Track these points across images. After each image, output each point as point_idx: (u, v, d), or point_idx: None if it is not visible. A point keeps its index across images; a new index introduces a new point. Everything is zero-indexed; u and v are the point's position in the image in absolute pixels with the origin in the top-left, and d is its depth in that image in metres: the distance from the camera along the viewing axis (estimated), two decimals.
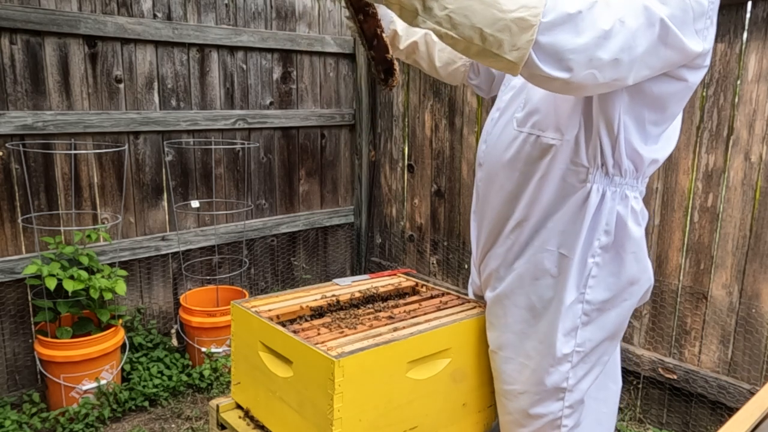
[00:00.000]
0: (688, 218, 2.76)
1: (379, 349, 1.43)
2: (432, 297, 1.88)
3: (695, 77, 1.39)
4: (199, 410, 3.07)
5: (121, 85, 3.19)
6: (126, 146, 3.22)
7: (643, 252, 1.51)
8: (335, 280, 1.96)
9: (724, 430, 1.10)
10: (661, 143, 1.48)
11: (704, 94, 2.65)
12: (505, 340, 1.58)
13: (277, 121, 3.81)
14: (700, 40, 1.30)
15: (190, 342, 3.37)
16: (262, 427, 1.66)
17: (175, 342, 3.56)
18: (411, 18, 1.16)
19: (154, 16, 3.25)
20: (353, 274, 4.46)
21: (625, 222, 1.46)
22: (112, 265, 3.13)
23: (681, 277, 2.81)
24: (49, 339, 2.85)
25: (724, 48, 2.55)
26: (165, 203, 3.44)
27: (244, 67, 3.65)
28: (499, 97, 1.67)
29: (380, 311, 1.72)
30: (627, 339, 3.00)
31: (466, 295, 1.93)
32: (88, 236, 2.99)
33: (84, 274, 2.83)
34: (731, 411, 2.65)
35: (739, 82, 2.53)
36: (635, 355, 2.93)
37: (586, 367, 1.53)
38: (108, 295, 2.89)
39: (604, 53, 1.15)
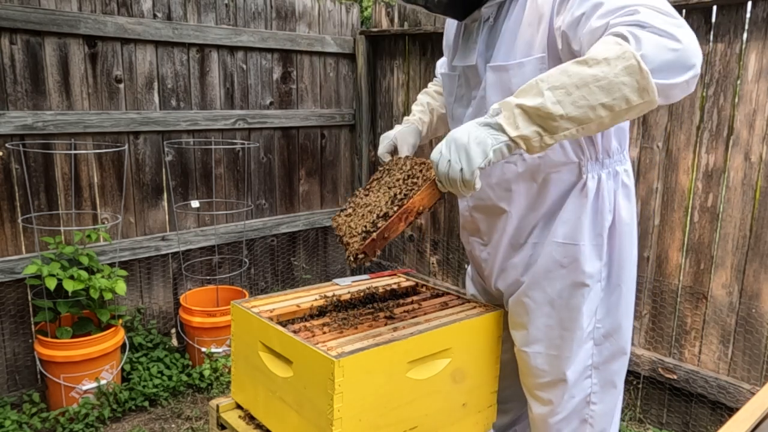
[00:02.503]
0: (688, 218, 2.76)
1: (379, 349, 1.43)
2: (432, 297, 1.88)
3: None
4: (199, 410, 3.07)
5: (121, 85, 3.19)
6: (126, 146, 3.22)
7: (635, 223, 1.62)
8: (335, 280, 1.96)
9: (724, 430, 1.10)
10: None
11: (704, 94, 2.65)
12: (531, 337, 1.63)
13: (277, 121, 3.81)
14: None
15: (190, 342, 3.37)
16: (262, 427, 1.66)
17: (175, 342, 3.56)
18: (539, 144, 1.23)
19: (154, 16, 3.25)
20: (353, 274, 4.46)
21: (618, 198, 1.55)
22: (112, 265, 3.13)
23: (681, 277, 2.81)
24: (49, 339, 2.85)
25: (723, 48, 2.55)
26: (165, 203, 3.44)
27: (244, 67, 3.65)
28: (452, 128, 1.71)
29: (380, 311, 1.72)
30: None
31: (466, 295, 1.93)
32: (88, 236, 2.98)
33: (84, 274, 2.83)
34: (731, 411, 2.65)
35: (739, 81, 2.53)
36: (635, 355, 2.93)
37: (612, 349, 1.62)
38: (108, 295, 2.89)
39: (682, 27, 1.19)
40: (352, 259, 1.41)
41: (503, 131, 1.23)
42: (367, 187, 1.68)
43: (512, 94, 1.45)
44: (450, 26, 1.76)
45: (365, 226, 1.43)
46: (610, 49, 1.16)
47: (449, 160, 1.26)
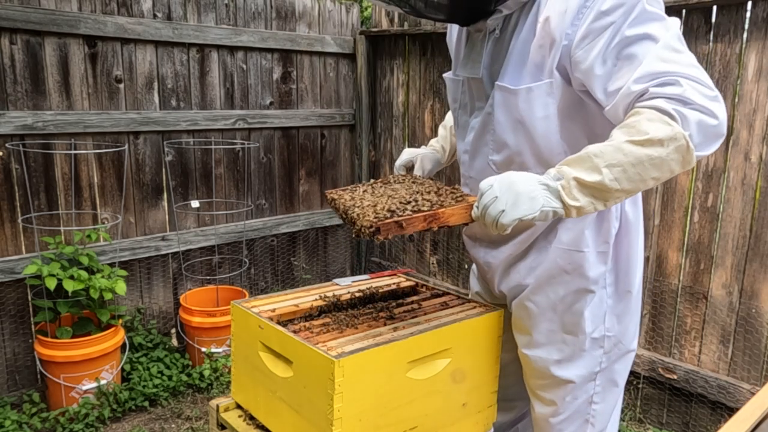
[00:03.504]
0: (688, 218, 2.76)
1: (379, 349, 1.43)
2: (432, 297, 1.88)
3: None
4: (199, 410, 3.07)
5: (121, 85, 3.19)
6: (126, 146, 3.22)
7: (641, 226, 1.62)
8: (335, 280, 1.96)
9: (724, 430, 1.10)
10: None
11: None
12: (534, 341, 1.64)
13: (277, 121, 3.81)
14: None
15: (190, 342, 3.37)
16: (262, 427, 1.66)
17: (175, 342, 3.56)
18: (591, 211, 1.30)
19: (154, 16, 3.25)
20: (353, 274, 4.46)
21: (625, 205, 1.56)
22: (112, 265, 3.13)
23: (681, 277, 2.81)
24: (49, 339, 2.85)
25: (723, 48, 2.55)
26: (165, 203, 3.44)
27: (244, 67, 3.65)
28: (459, 137, 1.71)
29: (380, 311, 1.72)
30: None
31: (467, 295, 1.93)
32: (88, 236, 2.98)
33: (84, 274, 2.83)
34: (731, 411, 2.65)
35: (738, 81, 2.53)
36: (635, 355, 2.92)
37: (619, 352, 1.64)
38: (108, 295, 2.89)
39: (718, 99, 1.26)
40: (365, 230, 1.36)
41: (559, 198, 1.27)
42: (374, 184, 1.68)
43: (519, 116, 1.46)
44: (452, 29, 1.75)
45: (389, 207, 1.41)
46: (661, 129, 1.21)
47: (496, 197, 1.28)
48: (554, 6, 1.38)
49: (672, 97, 1.22)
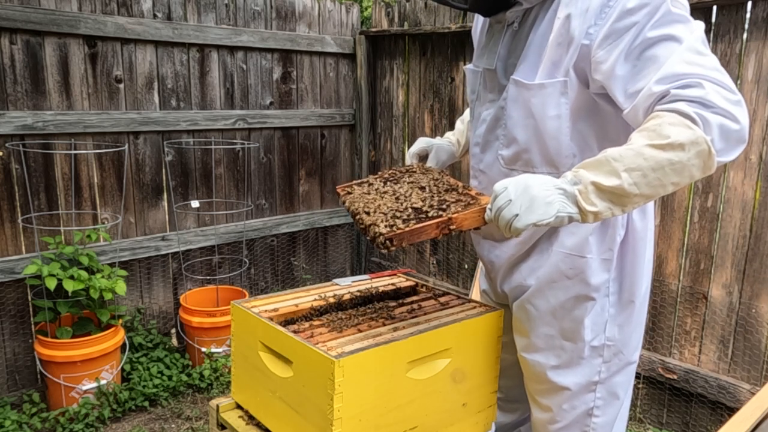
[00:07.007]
0: (688, 218, 2.76)
1: (379, 349, 1.43)
2: (432, 297, 1.87)
3: None
4: (199, 410, 3.07)
5: (121, 85, 3.19)
6: (126, 146, 3.22)
7: (650, 235, 1.59)
8: (335, 280, 1.96)
9: (724, 430, 1.10)
10: None
11: None
12: (532, 345, 1.62)
13: (277, 121, 3.81)
14: None
15: (190, 342, 3.37)
16: (262, 427, 1.66)
17: (175, 342, 3.56)
18: (609, 216, 1.27)
19: (154, 16, 3.25)
20: (353, 274, 4.46)
21: (632, 213, 1.53)
22: (112, 265, 3.13)
23: (681, 278, 2.81)
24: (49, 339, 2.85)
25: (723, 48, 2.55)
26: (165, 203, 3.44)
27: (244, 67, 3.65)
28: (472, 129, 1.70)
29: (380, 311, 1.72)
30: None
31: (467, 295, 1.93)
32: (88, 236, 2.99)
33: (84, 274, 2.83)
34: (731, 411, 2.65)
35: (738, 81, 2.53)
36: None
37: (620, 363, 1.60)
38: (108, 295, 2.89)
39: (740, 104, 1.26)
40: (378, 240, 1.34)
41: (576, 204, 1.25)
42: (385, 177, 1.66)
43: (531, 112, 1.44)
44: (478, 20, 1.74)
45: (403, 215, 1.38)
46: (682, 132, 1.19)
47: (511, 200, 1.25)
48: (575, 4, 1.36)
49: (694, 100, 1.20)
